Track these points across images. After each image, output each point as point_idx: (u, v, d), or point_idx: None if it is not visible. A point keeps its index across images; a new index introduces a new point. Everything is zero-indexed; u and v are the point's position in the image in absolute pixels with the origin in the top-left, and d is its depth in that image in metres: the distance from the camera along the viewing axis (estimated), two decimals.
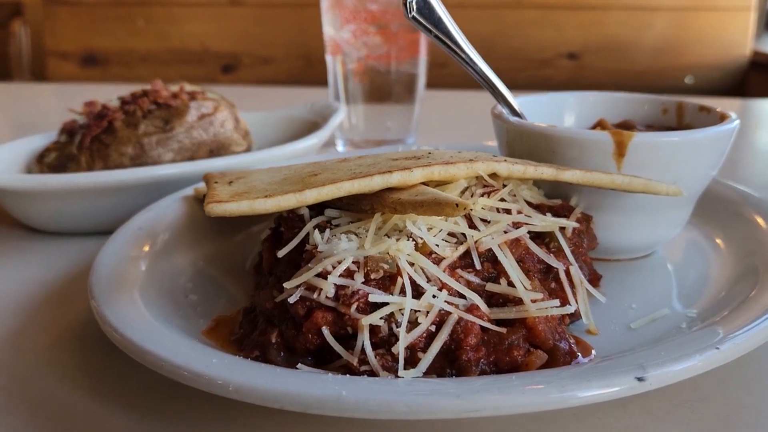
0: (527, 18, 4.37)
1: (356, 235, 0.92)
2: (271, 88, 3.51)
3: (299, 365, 0.83)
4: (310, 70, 4.28)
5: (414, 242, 0.90)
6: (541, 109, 1.30)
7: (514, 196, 1.02)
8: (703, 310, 1.02)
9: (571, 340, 0.90)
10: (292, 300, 0.85)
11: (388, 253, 0.87)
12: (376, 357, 0.82)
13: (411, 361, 0.82)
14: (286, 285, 0.86)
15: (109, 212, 1.37)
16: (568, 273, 0.95)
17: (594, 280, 1.10)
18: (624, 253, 1.21)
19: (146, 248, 1.12)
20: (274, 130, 1.85)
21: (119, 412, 0.84)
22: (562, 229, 1.01)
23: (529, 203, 1.04)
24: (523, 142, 1.17)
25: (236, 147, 1.60)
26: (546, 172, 0.99)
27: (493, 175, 1.00)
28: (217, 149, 1.56)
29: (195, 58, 4.34)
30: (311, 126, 1.79)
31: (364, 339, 0.82)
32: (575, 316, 0.96)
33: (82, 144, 1.46)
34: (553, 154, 1.11)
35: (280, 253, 0.93)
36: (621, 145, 1.05)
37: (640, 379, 0.75)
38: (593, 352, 0.93)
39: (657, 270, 1.19)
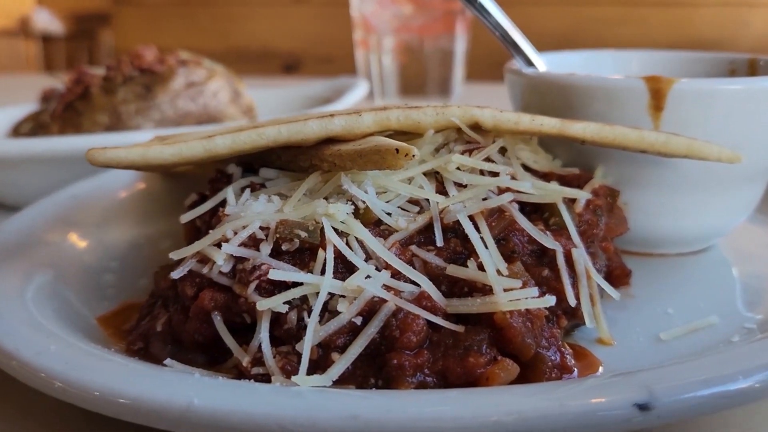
0: (607, 15, 4.04)
1: (287, 197, 0.70)
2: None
3: (167, 361, 0.61)
4: None
5: (354, 207, 0.67)
6: (575, 71, 1.04)
7: (510, 158, 0.77)
8: (767, 322, 0.74)
9: (566, 350, 0.65)
10: (176, 275, 0.64)
11: (315, 220, 0.65)
12: (276, 356, 0.59)
13: (324, 365, 0.59)
14: (173, 255, 0.65)
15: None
16: (569, 258, 0.70)
17: (620, 275, 0.83)
18: (669, 245, 0.93)
19: (73, 219, 0.94)
20: (287, 108, 1.66)
21: None
22: (572, 202, 0.76)
23: (530, 170, 0.80)
24: (539, 99, 0.92)
25: (231, 122, 1.42)
26: (547, 123, 0.74)
27: (484, 132, 0.77)
28: (207, 123, 1.37)
29: (256, 57, 4.25)
30: (326, 103, 1.58)
31: (262, 330, 0.60)
32: (578, 318, 0.70)
33: (55, 112, 1.31)
34: (571, 109, 0.86)
35: (183, 219, 0.73)
36: (658, 94, 0.79)
37: (642, 408, 0.50)
38: (601, 368, 0.67)
39: (710, 268, 0.91)
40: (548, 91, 0.89)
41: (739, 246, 0.97)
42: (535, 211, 0.74)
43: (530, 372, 0.62)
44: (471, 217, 0.68)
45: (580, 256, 0.69)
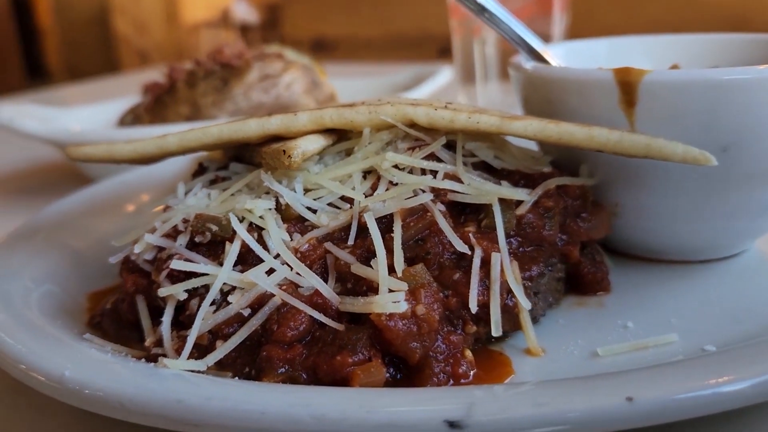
0: None
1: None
2: None
3: (86, 336, 0.69)
4: None
5: (278, 203, 0.70)
6: (597, 61, 0.96)
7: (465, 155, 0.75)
8: (734, 344, 0.66)
9: (464, 357, 0.63)
10: (113, 260, 0.72)
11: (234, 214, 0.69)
12: (175, 339, 0.65)
13: (210, 351, 0.63)
14: (115, 242, 0.73)
15: None
16: (487, 261, 0.67)
17: (592, 282, 0.78)
18: (679, 252, 0.85)
19: (115, 201, 1.07)
20: (369, 96, 1.69)
21: None
22: (518, 204, 0.72)
23: (491, 168, 0.77)
24: (533, 94, 0.88)
25: None
26: (485, 121, 0.71)
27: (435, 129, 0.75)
28: (279, 113, 1.45)
29: (413, 42, 4.31)
30: (407, 90, 1.60)
31: (165, 314, 0.66)
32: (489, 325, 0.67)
33: (148, 105, 1.46)
34: (549, 104, 0.81)
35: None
36: (629, 87, 0.72)
37: (453, 425, 0.48)
38: (510, 379, 0.64)
39: (723, 279, 0.81)
40: (538, 85, 0.84)
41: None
42: (475, 211, 0.72)
43: (417, 377, 0.62)
44: (391, 216, 0.68)
45: (497, 260, 0.67)
